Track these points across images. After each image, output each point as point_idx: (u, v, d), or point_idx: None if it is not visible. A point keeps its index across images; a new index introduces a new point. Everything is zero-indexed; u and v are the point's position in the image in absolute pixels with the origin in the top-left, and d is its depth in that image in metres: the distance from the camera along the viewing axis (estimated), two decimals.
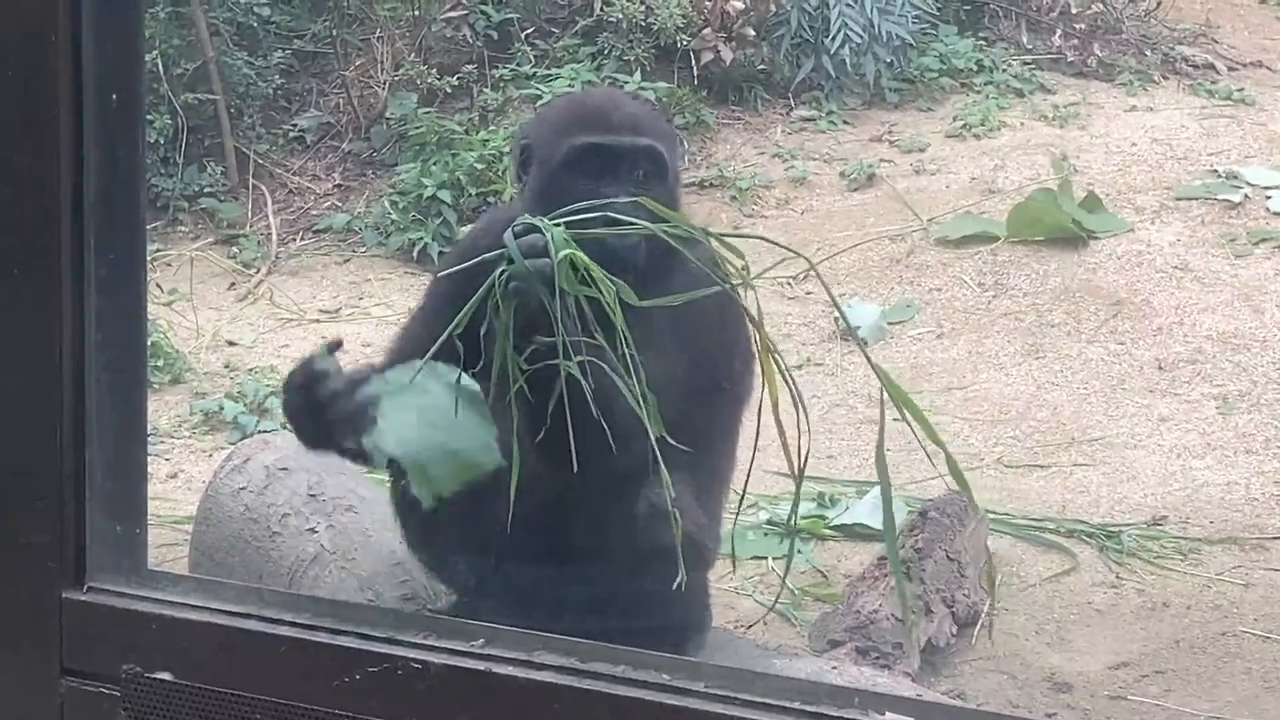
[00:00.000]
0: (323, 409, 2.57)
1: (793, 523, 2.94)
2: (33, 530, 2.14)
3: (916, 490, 4.59)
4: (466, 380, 2.47)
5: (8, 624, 2.16)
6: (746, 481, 2.66)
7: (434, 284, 3.08)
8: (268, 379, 5.43)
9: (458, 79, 7.12)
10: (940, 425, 5.08)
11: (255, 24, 7.22)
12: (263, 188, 6.91)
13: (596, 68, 7.11)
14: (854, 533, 4.31)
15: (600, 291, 2.44)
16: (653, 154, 2.82)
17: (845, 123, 7.24)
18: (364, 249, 6.58)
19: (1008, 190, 6.59)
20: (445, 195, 6.45)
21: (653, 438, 2.56)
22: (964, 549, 3.89)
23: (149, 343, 5.25)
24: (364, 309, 6.14)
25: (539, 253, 2.46)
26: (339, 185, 6.96)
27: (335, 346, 2.67)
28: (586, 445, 2.61)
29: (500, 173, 6.44)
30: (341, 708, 2.06)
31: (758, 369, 3.15)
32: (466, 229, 5.44)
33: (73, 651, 2.14)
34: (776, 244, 2.63)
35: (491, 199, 6.44)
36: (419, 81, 7.06)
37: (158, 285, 6.02)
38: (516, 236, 2.46)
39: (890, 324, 5.83)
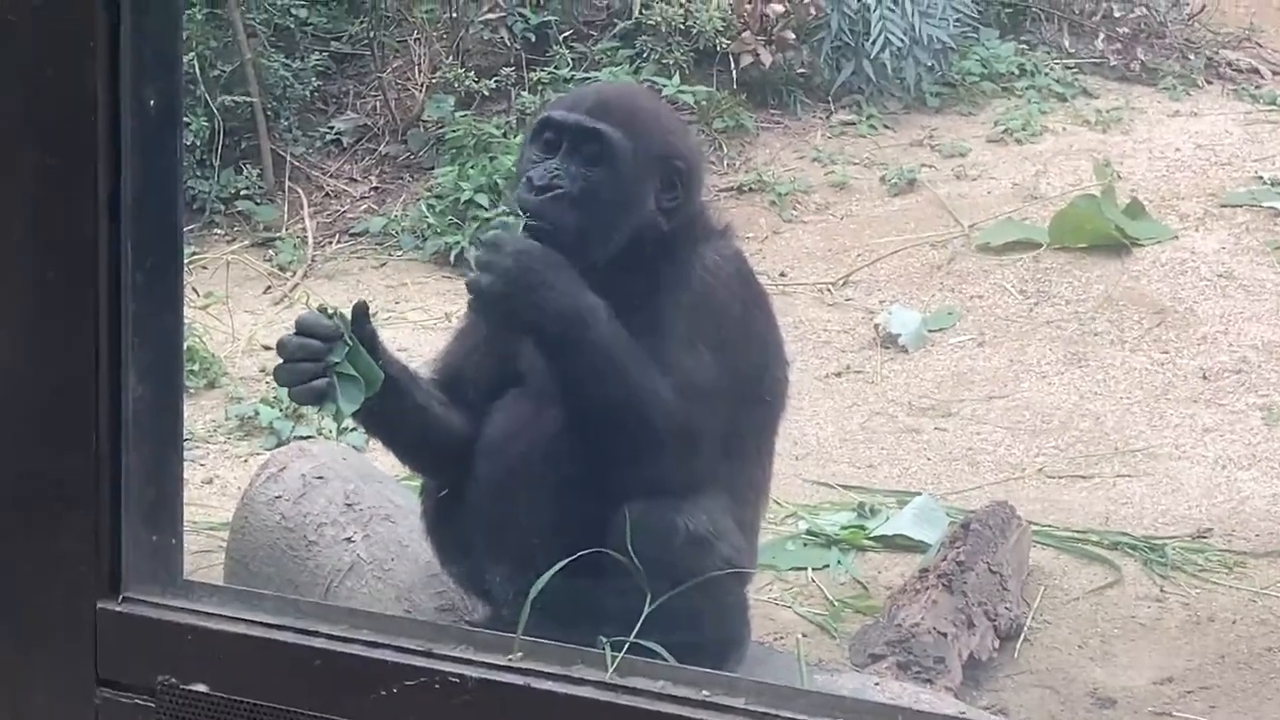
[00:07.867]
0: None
1: None
2: (68, 539, 2.12)
3: (959, 501, 4.54)
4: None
5: (43, 634, 2.14)
6: None
7: None
8: None
9: (495, 82, 7.10)
10: (982, 434, 5.08)
11: (292, 25, 7.22)
12: (299, 190, 6.90)
13: (635, 71, 7.08)
14: (895, 544, 4.27)
15: None
16: (598, 136, 2.87)
17: (886, 127, 7.20)
18: (400, 252, 6.56)
19: (1050, 196, 6.53)
20: (482, 199, 6.42)
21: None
22: (1006, 561, 3.84)
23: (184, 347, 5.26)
24: (400, 313, 6.11)
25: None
26: (375, 188, 6.94)
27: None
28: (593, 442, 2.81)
29: None
30: None
31: (792, 377, 3.14)
32: None
33: (108, 662, 2.11)
34: None
35: None
36: (456, 84, 7.04)
37: (193, 289, 6.01)
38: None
39: (931, 331, 5.78)
